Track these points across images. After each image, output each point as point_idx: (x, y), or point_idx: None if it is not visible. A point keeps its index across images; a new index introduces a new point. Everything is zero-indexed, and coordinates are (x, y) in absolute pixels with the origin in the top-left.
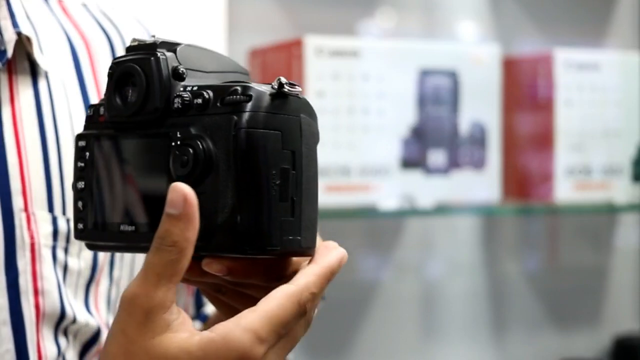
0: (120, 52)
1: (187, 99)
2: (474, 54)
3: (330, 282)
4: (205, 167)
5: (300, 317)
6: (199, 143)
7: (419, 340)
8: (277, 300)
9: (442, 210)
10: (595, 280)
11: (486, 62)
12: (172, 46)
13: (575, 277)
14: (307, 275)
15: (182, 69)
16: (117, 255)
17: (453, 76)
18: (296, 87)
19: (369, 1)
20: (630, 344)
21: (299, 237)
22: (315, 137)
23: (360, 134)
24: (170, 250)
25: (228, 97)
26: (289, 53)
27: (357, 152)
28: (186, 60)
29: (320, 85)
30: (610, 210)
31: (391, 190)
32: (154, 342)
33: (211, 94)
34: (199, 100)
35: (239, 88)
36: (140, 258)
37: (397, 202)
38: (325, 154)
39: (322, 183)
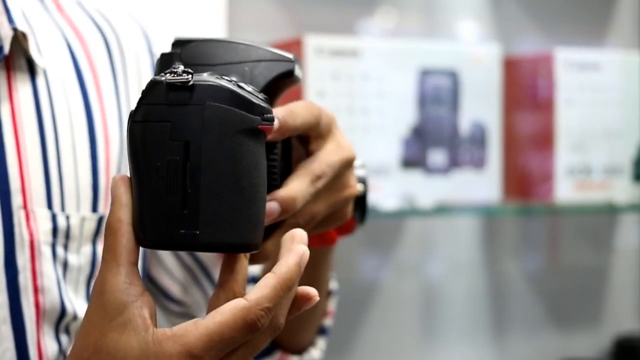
0: (115, 50)
1: None
2: (474, 54)
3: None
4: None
5: (248, 333)
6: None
7: (419, 340)
8: (221, 317)
9: (442, 210)
10: (595, 281)
11: (486, 62)
12: (184, 44)
13: (575, 277)
14: (261, 289)
15: (175, 66)
16: None
17: (453, 76)
18: (185, 75)
19: (369, 1)
20: (630, 344)
21: (195, 232)
22: (232, 126)
23: (360, 134)
24: (107, 234)
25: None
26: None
27: (357, 152)
28: (193, 56)
29: (320, 85)
30: (610, 211)
31: (391, 190)
32: (110, 327)
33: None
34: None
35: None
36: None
37: (397, 202)
38: None
39: None
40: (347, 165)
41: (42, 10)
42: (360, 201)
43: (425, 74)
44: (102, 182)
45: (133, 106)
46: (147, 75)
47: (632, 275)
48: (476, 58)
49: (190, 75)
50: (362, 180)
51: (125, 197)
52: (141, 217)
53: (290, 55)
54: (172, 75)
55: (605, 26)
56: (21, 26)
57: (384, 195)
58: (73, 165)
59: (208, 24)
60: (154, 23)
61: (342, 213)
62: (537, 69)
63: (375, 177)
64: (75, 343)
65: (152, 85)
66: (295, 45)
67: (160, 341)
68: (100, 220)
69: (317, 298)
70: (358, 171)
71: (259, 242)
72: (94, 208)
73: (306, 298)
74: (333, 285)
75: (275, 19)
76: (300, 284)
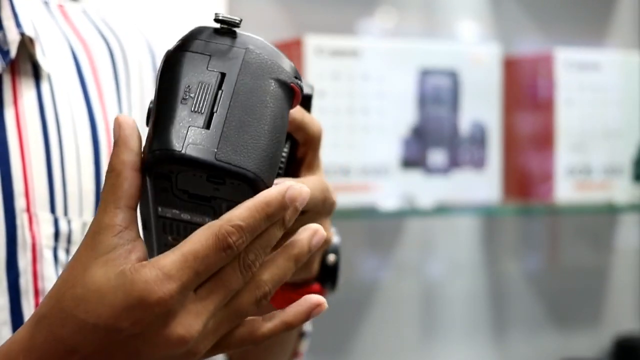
0: (120, 60)
1: None
2: (474, 54)
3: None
4: None
5: (220, 251)
6: None
7: (419, 340)
8: (194, 237)
9: (442, 210)
10: (595, 281)
11: (486, 62)
12: None
13: (575, 277)
14: (235, 209)
15: None
16: None
17: (453, 76)
18: (231, 20)
19: (369, 1)
20: (630, 344)
21: (213, 149)
22: (268, 72)
23: (360, 134)
24: (110, 176)
25: None
26: (288, 53)
27: (357, 152)
28: None
29: (320, 85)
30: (610, 211)
31: (391, 190)
32: (94, 263)
33: None
34: None
35: None
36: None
37: (397, 202)
38: (326, 154)
39: None
40: (330, 210)
41: (47, 16)
42: (332, 271)
43: (425, 74)
44: None
45: (135, 118)
46: (149, 89)
47: (632, 275)
48: (476, 58)
49: (239, 19)
50: (335, 250)
51: (131, 141)
52: (156, 130)
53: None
54: (215, 22)
55: (605, 26)
56: (28, 31)
57: (384, 195)
58: (76, 170)
59: (208, 23)
60: (160, 37)
61: (309, 264)
62: (537, 69)
63: (375, 177)
64: (57, 280)
65: (198, 28)
66: (295, 45)
67: (137, 269)
68: None
69: (326, 306)
70: (333, 238)
71: (270, 186)
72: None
73: (316, 304)
74: (307, 327)
75: (275, 19)
76: (266, 343)
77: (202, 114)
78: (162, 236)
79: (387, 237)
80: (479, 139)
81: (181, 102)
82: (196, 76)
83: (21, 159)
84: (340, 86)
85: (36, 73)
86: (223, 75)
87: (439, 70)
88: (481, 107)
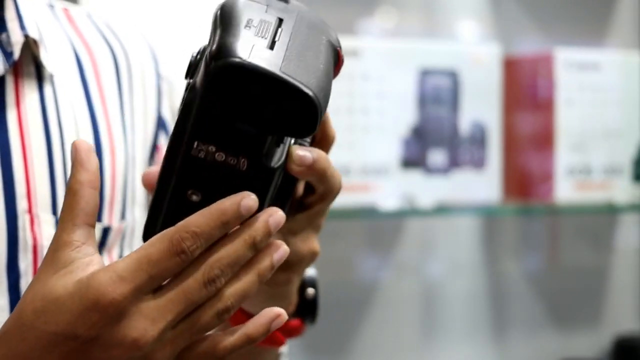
0: (123, 66)
1: None
2: (474, 54)
3: (318, 274)
4: None
5: (174, 255)
6: None
7: (419, 340)
8: (149, 241)
9: (442, 210)
10: (595, 281)
11: (486, 62)
12: None
13: (575, 277)
14: (192, 216)
15: None
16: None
17: (453, 76)
18: None
19: (369, 1)
20: (630, 344)
21: (278, 63)
22: (320, 30)
23: (360, 134)
24: (67, 196)
25: None
26: None
27: (357, 152)
28: None
29: None
30: (610, 211)
31: (391, 190)
32: (52, 277)
33: None
34: None
35: None
36: None
37: (397, 202)
38: None
39: None
40: (318, 228)
41: (52, 19)
42: (312, 305)
43: (425, 74)
44: (107, 193)
45: (137, 125)
46: (152, 96)
47: (632, 275)
48: (476, 58)
49: None
50: (313, 284)
51: (87, 162)
52: (217, 45)
53: None
54: None
55: (605, 26)
56: (32, 33)
57: (384, 195)
58: None
59: (209, 24)
60: (163, 44)
61: (287, 295)
62: (537, 69)
63: (375, 177)
64: (21, 298)
65: None
66: None
67: (94, 274)
68: (105, 230)
69: (286, 317)
70: (309, 271)
71: (320, 119)
72: (98, 217)
73: (276, 315)
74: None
75: None
76: None
77: (265, 39)
78: (179, 194)
79: (387, 237)
80: (479, 139)
81: (244, 28)
82: (256, 14)
83: (23, 160)
84: (340, 86)
85: (39, 75)
86: (280, 20)
87: (439, 70)
88: (481, 107)
